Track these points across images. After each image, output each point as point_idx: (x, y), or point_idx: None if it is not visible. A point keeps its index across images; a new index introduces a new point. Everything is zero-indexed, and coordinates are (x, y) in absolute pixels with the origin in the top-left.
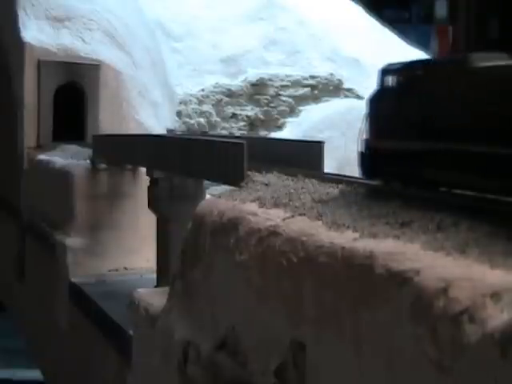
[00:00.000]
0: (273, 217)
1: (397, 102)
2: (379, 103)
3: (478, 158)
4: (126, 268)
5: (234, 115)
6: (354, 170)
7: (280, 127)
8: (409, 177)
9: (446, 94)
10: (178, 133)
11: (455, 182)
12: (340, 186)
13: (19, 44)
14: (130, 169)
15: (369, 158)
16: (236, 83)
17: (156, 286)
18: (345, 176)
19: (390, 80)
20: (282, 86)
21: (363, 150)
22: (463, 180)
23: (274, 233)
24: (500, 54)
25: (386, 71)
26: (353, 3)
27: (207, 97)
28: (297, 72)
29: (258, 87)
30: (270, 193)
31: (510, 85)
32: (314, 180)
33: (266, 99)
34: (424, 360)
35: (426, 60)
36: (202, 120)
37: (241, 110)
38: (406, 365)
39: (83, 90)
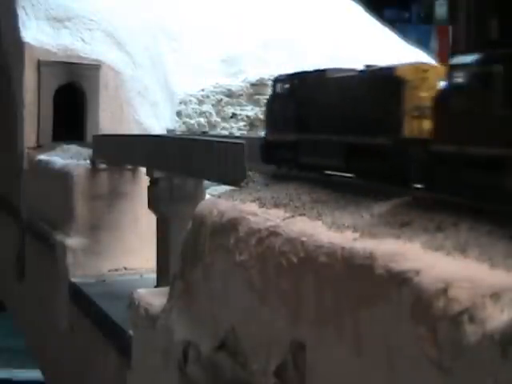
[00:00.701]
0: (273, 217)
1: (282, 104)
2: (271, 105)
3: (331, 146)
4: (125, 268)
5: (233, 115)
6: None
7: None
8: (291, 162)
9: (310, 98)
10: (178, 133)
11: (319, 164)
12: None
13: (19, 44)
14: (130, 169)
15: (266, 148)
16: (236, 83)
17: (156, 286)
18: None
19: (279, 87)
20: None
21: (262, 143)
22: (323, 163)
23: (273, 233)
24: (351, 68)
25: (276, 80)
26: (353, 3)
27: (207, 97)
28: None
29: (258, 87)
30: (270, 193)
31: (346, 91)
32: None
33: (266, 99)
34: (424, 360)
35: (302, 72)
36: (202, 120)
37: (241, 110)
38: (406, 365)
39: (83, 90)
